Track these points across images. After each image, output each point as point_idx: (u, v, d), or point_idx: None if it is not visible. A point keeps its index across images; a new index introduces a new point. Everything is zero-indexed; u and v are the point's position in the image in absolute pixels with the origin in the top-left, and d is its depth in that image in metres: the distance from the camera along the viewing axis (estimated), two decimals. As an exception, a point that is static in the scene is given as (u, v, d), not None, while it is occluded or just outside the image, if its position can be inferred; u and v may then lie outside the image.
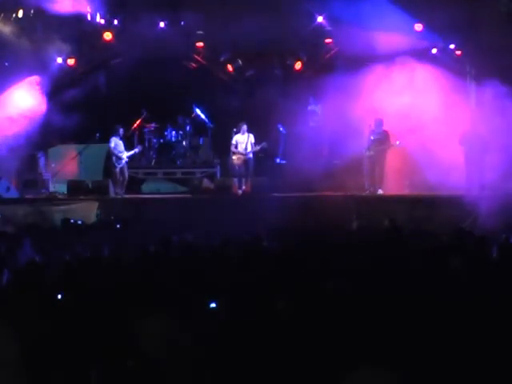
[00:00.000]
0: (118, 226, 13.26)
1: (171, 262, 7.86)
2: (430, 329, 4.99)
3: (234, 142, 16.47)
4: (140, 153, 17.11)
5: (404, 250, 8.51)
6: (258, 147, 16.37)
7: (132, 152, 16.63)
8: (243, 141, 16.41)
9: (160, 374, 4.82)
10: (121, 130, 16.38)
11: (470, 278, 6.61)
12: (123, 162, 16.33)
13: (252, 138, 16.39)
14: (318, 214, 13.38)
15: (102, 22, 16.35)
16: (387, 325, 5.06)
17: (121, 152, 16.32)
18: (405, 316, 5.22)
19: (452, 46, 16.66)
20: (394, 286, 6.17)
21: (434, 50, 16.84)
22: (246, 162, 16.39)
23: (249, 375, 4.62)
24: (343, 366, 4.52)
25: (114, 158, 16.30)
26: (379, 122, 16.01)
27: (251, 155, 16.47)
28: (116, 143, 16.31)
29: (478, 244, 8.53)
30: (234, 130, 16.57)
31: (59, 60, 16.70)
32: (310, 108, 17.68)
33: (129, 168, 16.72)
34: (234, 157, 16.47)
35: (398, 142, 15.96)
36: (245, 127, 16.37)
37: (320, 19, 16.50)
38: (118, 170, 16.29)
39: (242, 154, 16.36)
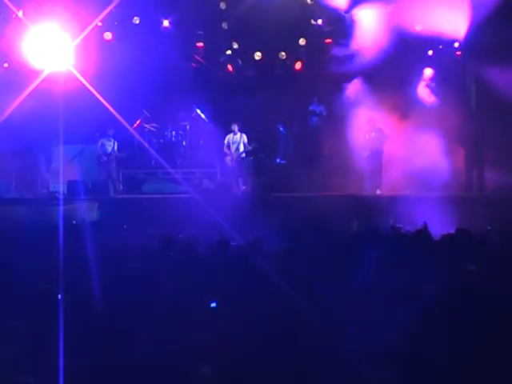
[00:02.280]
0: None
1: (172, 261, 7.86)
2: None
3: (226, 142, 16.48)
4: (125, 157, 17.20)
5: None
6: (249, 148, 16.36)
7: (120, 155, 16.78)
8: (235, 141, 16.40)
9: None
10: (110, 132, 16.59)
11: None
12: (108, 161, 16.49)
13: (245, 137, 16.36)
14: (318, 215, 13.36)
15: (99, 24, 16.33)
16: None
17: (105, 152, 16.47)
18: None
19: (455, 45, 16.63)
20: None
21: (430, 52, 16.84)
22: (239, 162, 16.39)
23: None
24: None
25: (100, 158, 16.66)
26: (373, 120, 16.06)
27: (244, 155, 16.46)
28: (102, 143, 16.56)
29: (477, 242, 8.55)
30: (234, 129, 16.60)
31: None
32: (310, 108, 17.68)
33: (126, 168, 16.79)
34: (227, 158, 16.50)
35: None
36: (236, 127, 16.34)
37: (320, 21, 16.53)
38: (104, 169, 16.55)
39: (233, 154, 16.37)
